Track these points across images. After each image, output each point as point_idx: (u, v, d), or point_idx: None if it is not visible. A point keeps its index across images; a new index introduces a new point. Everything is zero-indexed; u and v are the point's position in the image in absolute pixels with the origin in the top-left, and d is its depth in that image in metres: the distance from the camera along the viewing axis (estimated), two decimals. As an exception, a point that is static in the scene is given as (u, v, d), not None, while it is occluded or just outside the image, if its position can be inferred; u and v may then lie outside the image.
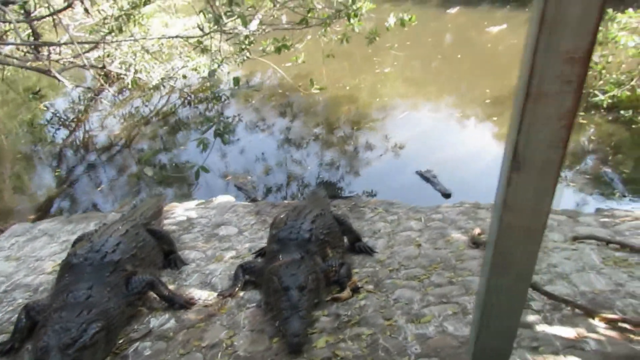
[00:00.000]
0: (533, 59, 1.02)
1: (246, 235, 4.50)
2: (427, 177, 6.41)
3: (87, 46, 7.13)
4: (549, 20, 0.98)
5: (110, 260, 3.15)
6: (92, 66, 7.34)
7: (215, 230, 4.61)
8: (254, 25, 6.77)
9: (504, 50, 11.79)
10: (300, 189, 6.79)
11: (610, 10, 7.91)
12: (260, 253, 3.93)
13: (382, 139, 7.99)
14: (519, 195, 1.25)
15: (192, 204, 5.49)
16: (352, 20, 6.98)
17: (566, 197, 6.33)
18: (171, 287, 3.49)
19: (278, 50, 5.96)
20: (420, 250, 4.02)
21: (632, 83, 7.48)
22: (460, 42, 12.56)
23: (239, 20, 5.25)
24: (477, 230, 4.29)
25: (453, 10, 14.11)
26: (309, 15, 5.72)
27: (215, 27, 4.80)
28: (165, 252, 3.89)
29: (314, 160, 7.61)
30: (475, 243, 4.06)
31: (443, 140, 7.87)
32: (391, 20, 7.41)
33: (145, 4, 4.91)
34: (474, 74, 10.58)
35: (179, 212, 5.16)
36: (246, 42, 6.10)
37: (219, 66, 6.87)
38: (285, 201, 5.92)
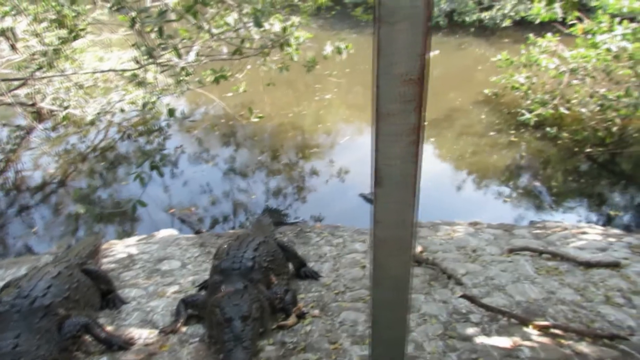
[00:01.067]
0: (377, 82, 1.13)
1: (190, 269, 4.39)
2: (370, 199, 6.51)
3: (15, 83, 6.86)
4: (384, 47, 1.10)
5: (40, 305, 2.97)
6: (20, 104, 7.05)
7: (157, 266, 4.47)
8: (191, 56, 6.76)
9: (438, 74, 12.34)
10: (247, 218, 6.73)
11: (531, 35, 8.50)
12: (204, 286, 3.84)
13: (326, 164, 8.09)
14: (384, 209, 1.35)
15: (132, 240, 5.31)
16: (288, 49, 7.15)
17: (503, 211, 6.63)
18: (109, 328, 3.33)
19: (216, 80, 5.97)
20: (365, 271, 4.06)
21: (555, 102, 8.01)
22: (397, 68, 13.05)
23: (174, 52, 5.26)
24: (418, 248, 4.41)
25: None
26: (243, 45, 5.77)
27: (150, 59, 4.75)
28: (103, 292, 3.72)
29: (259, 188, 7.58)
30: (417, 261, 4.15)
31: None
32: (328, 49, 7.64)
33: (75, 39, 4.79)
34: (411, 98, 10.98)
35: (119, 249, 4.98)
36: (183, 73, 6.06)
37: (158, 98, 6.79)
38: (231, 231, 5.84)
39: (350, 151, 8.57)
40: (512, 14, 13.56)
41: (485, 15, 14.51)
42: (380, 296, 1.59)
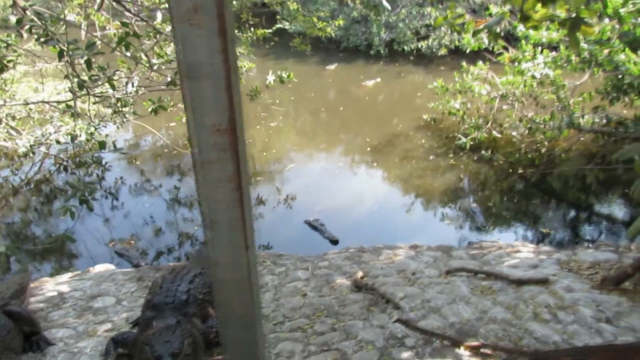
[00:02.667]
0: (191, 132, 1.18)
1: (125, 305, 4.19)
2: (315, 226, 6.54)
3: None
4: (192, 101, 1.15)
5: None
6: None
7: (89, 303, 4.24)
8: (130, 87, 6.62)
9: (381, 101, 12.70)
10: (191, 249, 6.56)
11: (464, 64, 8.90)
12: (137, 322, 3.66)
13: (272, 192, 8.06)
14: (219, 252, 1.39)
15: (65, 276, 5.03)
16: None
17: (443, 233, 6.80)
18: (32, 374, 3.11)
19: (154, 111, 5.85)
20: (306, 299, 4.02)
21: (488, 126, 8.38)
22: (340, 95, 13.31)
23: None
24: (359, 274, 4.42)
25: (332, 67, 15.00)
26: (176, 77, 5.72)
27: (83, 91, 4.61)
28: (27, 334, 3.47)
29: (204, 218, 7.42)
30: (357, 286, 4.16)
31: (330, 189, 8.13)
32: (270, 77, 7.68)
33: (1, 71, 4.59)
34: (355, 124, 11.21)
35: (50, 287, 4.69)
36: (119, 104, 5.92)
37: (96, 129, 6.57)
38: (171, 263, 5.66)
39: (297, 178, 8.59)
40: (447, 43, 14.21)
41: (423, 44, 15.12)
42: (230, 335, 1.59)
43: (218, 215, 1.30)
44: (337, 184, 8.33)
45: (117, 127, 7.64)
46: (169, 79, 7.40)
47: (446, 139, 9.53)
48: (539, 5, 3.13)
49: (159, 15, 6.70)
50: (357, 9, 15.70)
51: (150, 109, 6.01)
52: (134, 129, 10.06)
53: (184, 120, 7.69)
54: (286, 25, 12.00)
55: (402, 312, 3.57)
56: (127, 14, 6.45)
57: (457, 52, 14.00)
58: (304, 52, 11.16)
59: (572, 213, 7.65)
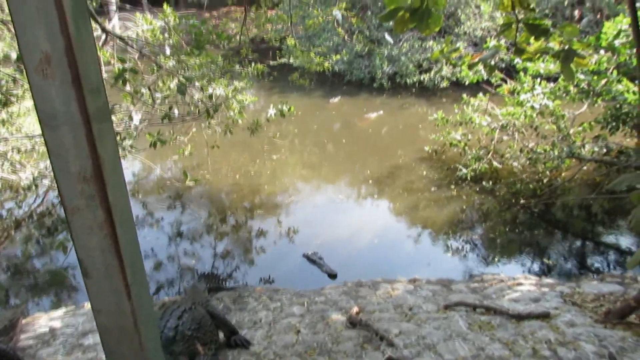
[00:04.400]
0: (57, 180, 1.16)
1: (116, 342, 4.09)
2: (313, 260, 6.43)
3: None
4: (54, 148, 1.15)
5: None
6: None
7: (80, 340, 4.15)
8: (136, 120, 6.71)
9: (383, 133, 12.70)
10: (186, 283, 6.45)
11: (464, 95, 8.92)
12: None
13: (272, 224, 7.99)
14: (99, 299, 1.33)
15: (59, 312, 4.95)
16: (231, 113, 7.21)
17: (444, 265, 6.65)
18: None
19: (153, 145, 5.87)
20: (299, 336, 3.90)
21: (489, 157, 8.31)
22: (343, 128, 13.35)
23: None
24: (354, 310, 4.29)
25: (335, 100, 15.11)
26: (189, 109, 5.78)
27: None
28: (12, 374, 3.39)
29: (205, 251, 7.37)
30: (352, 323, 4.03)
31: (330, 222, 8.04)
32: (271, 111, 7.74)
33: (4, 106, 4.65)
34: (357, 156, 11.19)
35: (42, 322, 4.61)
36: (119, 138, 5.96)
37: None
38: (166, 298, 5.56)
39: (298, 210, 8.53)
40: (448, 75, 14.30)
41: (425, 77, 15.23)
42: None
43: (94, 262, 1.26)
44: (338, 216, 8.24)
45: (123, 159, 7.69)
46: (176, 114, 7.58)
47: (448, 170, 9.47)
48: (533, 38, 3.13)
49: (167, 51, 6.85)
50: (360, 43, 15.95)
51: (150, 142, 6.06)
52: (138, 162, 10.13)
53: (186, 153, 7.77)
54: (291, 59, 12.20)
55: (396, 350, 3.44)
56: (129, 49, 6.59)
57: (458, 85, 14.10)
58: (308, 86, 11.31)
59: (577, 244, 7.48)
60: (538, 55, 3.49)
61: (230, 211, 8.56)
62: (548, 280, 5.43)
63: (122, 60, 4.69)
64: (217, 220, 8.30)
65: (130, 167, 10.10)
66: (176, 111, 7.39)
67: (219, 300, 4.91)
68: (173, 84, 6.72)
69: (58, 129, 1.11)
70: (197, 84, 6.46)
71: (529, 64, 7.22)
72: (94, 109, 1.10)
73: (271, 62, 8.20)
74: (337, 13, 7.47)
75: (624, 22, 5.37)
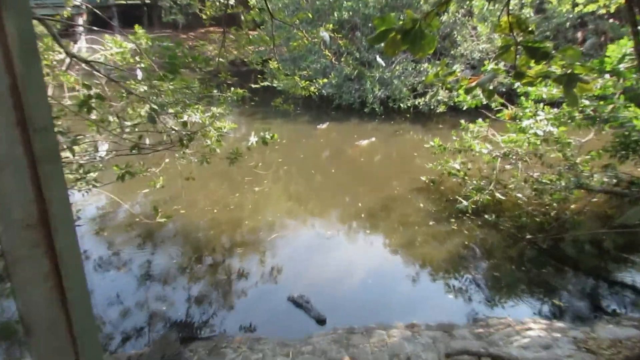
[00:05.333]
0: None
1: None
2: (300, 303, 6.34)
3: None
4: None
5: None
6: None
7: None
8: (102, 150, 6.67)
9: (376, 161, 12.81)
10: (156, 334, 6.30)
11: (462, 121, 9.06)
12: None
13: (254, 264, 7.90)
14: (43, 355, 1.30)
15: (10, 369, 4.79)
16: (208, 142, 7.21)
17: (444, 308, 6.59)
18: None
19: (121, 178, 5.82)
20: (284, 393, 3.80)
21: (491, 188, 8.37)
22: (332, 156, 13.43)
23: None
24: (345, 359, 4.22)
25: (323, 126, 15.26)
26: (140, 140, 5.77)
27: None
28: None
29: (178, 295, 7.23)
30: (342, 376, 3.95)
31: (318, 260, 7.98)
32: (252, 139, 7.76)
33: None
34: (348, 187, 11.22)
35: (-9, 382, 4.45)
36: (80, 171, 5.91)
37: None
38: (133, 351, 5.41)
39: (283, 248, 8.46)
40: (445, 99, 14.54)
41: (420, 101, 15.49)
42: None
43: (37, 317, 1.23)
44: (327, 254, 8.19)
45: (83, 195, 7.61)
46: (147, 142, 7.56)
47: (447, 202, 9.52)
48: (533, 61, 3.19)
49: (138, 72, 6.88)
50: (350, 66, 16.23)
51: (117, 175, 6.01)
52: (104, 196, 10.04)
53: (158, 186, 7.71)
54: (274, 83, 12.35)
55: (393, 407, 3.35)
56: (96, 74, 6.61)
57: (456, 109, 14.32)
58: (293, 111, 11.42)
59: (589, 283, 7.47)
60: (539, 79, 3.55)
61: (207, 250, 8.45)
62: (559, 324, 5.41)
63: (88, 87, 4.69)
64: (192, 259, 8.18)
65: (95, 202, 10.00)
66: (147, 140, 7.39)
67: (193, 352, 4.79)
68: (144, 111, 6.73)
69: (0, 172, 1.10)
70: (170, 110, 6.47)
71: (530, 88, 7.37)
72: (42, 150, 1.09)
73: (253, 86, 8.27)
74: (324, 34, 7.59)
75: (628, 45, 5.53)
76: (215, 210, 9.68)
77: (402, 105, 15.76)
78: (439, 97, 14.99)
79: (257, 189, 10.73)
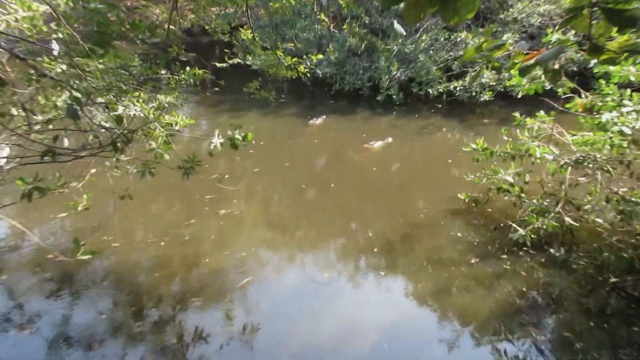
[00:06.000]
0: None
1: None
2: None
3: None
4: None
5: None
6: None
7: None
8: (1, 157, 6.68)
9: (393, 172, 12.86)
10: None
11: (517, 114, 9.12)
12: None
13: (218, 320, 7.91)
14: None
15: None
16: (153, 144, 7.24)
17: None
18: None
19: (27, 196, 5.83)
20: None
21: (558, 210, 8.42)
22: (331, 164, 13.48)
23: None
24: None
25: (317, 121, 15.31)
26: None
27: None
28: None
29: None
30: None
31: (311, 314, 8.00)
32: (216, 140, 7.75)
33: None
34: (353, 209, 11.26)
35: None
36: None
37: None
38: None
39: (259, 298, 8.46)
40: (493, 83, 14.63)
41: (456, 85, 15.58)
42: None
43: None
44: (324, 306, 8.20)
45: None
46: (66, 144, 7.57)
47: (495, 230, 9.57)
48: (615, 30, 3.24)
49: (55, 46, 6.91)
50: (356, 36, 16.32)
51: (22, 192, 6.01)
52: (5, 223, 10.04)
53: (81, 207, 7.72)
54: (248, 60, 12.40)
55: None
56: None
57: (507, 98, 14.43)
58: (276, 100, 11.48)
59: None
60: (625, 54, 3.60)
61: (151, 300, 8.44)
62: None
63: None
64: (128, 315, 8.17)
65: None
66: (66, 142, 7.39)
67: None
68: (61, 101, 6.75)
69: None
70: (99, 100, 6.51)
71: (611, 68, 7.46)
72: None
73: (217, 65, 8.33)
74: (320, -9, 7.69)
75: None
76: (163, 243, 9.69)
77: (431, 91, 15.86)
78: (482, 80, 15.07)
79: (222, 212, 10.74)
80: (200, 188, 10.73)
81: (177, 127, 7.70)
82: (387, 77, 15.92)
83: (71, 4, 6.42)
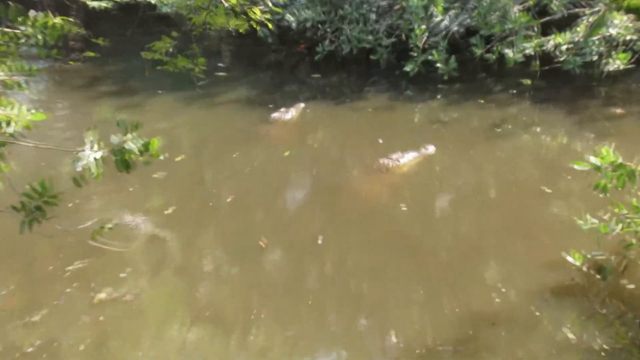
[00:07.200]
0: None
1: None
2: None
3: None
4: None
5: None
6: None
7: None
8: None
9: (439, 214, 12.86)
10: None
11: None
12: None
13: None
14: None
15: None
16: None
17: None
18: None
19: None
20: None
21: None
22: (316, 199, 13.47)
23: None
24: None
25: (287, 114, 15.41)
26: None
27: None
28: None
29: None
30: None
31: None
32: (88, 154, 7.66)
33: None
34: (361, 289, 11.19)
35: None
36: None
37: None
38: None
39: None
40: (632, 37, 14.67)
41: (560, 41, 15.58)
42: None
43: None
44: None
45: None
46: None
47: (636, 320, 9.57)
48: None
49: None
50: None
51: None
52: None
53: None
54: (162, 7, 12.42)
55: None
56: None
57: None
58: (206, 77, 11.45)
59: None
60: None
61: None
62: None
63: None
64: None
65: None
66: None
67: None
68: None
69: None
70: None
71: None
72: None
73: (91, 5, 8.30)
74: None
75: None
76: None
77: (510, 53, 15.90)
78: (611, 31, 15.13)
79: (101, 297, 10.70)
80: (57, 248, 10.70)
81: (12, 129, 7.62)
82: (424, 27, 15.95)
83: None
